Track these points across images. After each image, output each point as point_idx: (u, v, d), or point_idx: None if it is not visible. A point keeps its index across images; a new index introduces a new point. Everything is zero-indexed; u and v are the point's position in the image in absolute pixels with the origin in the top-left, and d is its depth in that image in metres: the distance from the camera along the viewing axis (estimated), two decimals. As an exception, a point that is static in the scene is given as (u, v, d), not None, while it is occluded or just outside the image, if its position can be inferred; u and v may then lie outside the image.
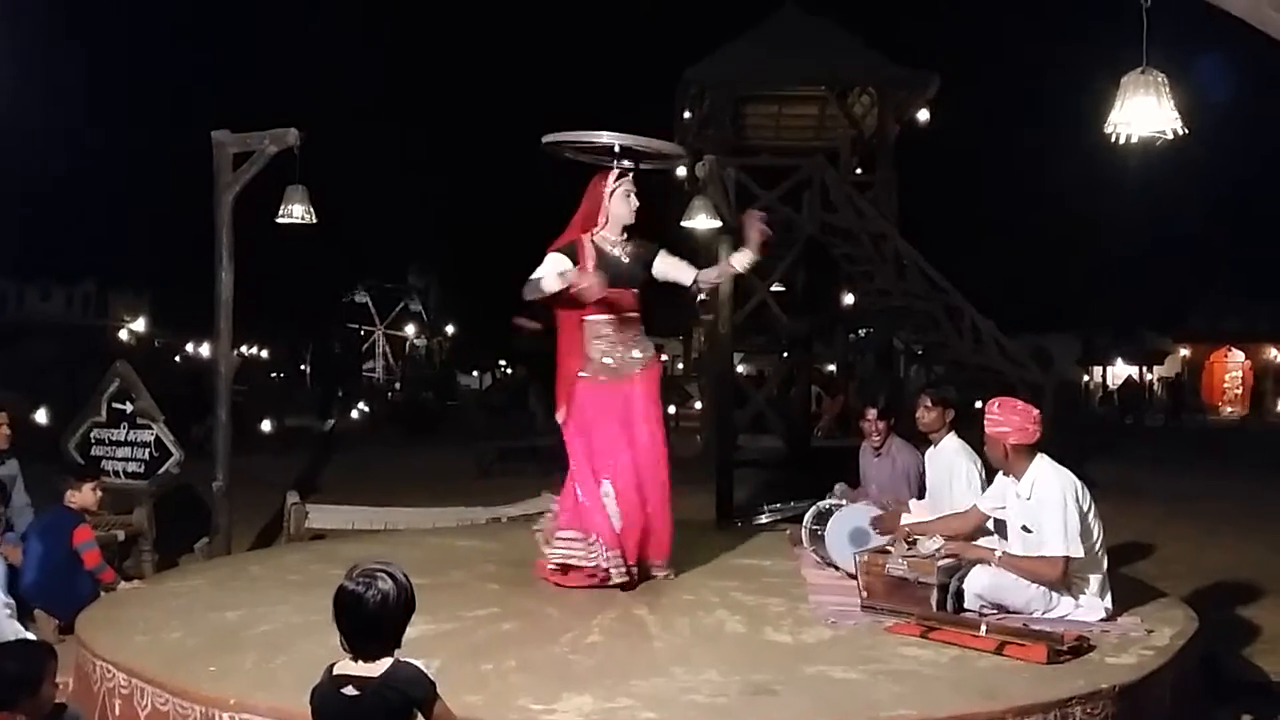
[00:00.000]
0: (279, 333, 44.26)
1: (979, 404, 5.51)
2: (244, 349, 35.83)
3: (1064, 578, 4.67)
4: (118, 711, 4.09)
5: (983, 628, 4.37)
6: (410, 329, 51.86)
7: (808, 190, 16.41)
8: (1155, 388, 38.72)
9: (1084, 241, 41.20)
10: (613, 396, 5.57)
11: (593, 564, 5.42)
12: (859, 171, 19.11)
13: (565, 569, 5.52)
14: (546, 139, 5.81)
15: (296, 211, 8.49)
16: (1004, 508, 4.97)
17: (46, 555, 5.77)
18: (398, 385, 41.89)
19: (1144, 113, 4.62)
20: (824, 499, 6.29)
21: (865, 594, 4.95)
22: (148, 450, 7.64)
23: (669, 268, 5.70)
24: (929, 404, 5.85)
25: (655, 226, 5.89)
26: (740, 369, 22.04)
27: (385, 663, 2.82)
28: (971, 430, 5.64)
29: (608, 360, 5.60)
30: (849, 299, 19.19)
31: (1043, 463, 4.77)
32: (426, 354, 49.12)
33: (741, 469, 11.85)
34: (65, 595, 5.62)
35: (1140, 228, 39.08)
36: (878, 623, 4.70)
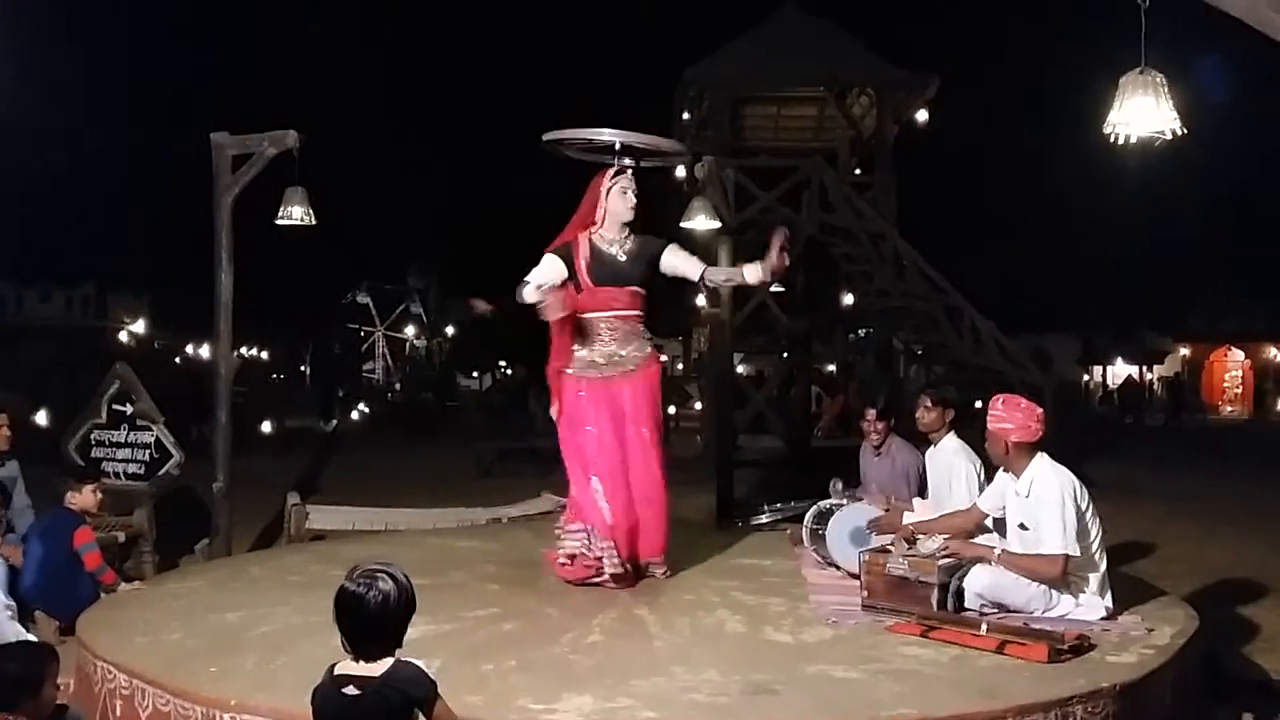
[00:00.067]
0: (279, 334, 44.31)
1: (979, 404, 5.52)
2: (244, 350, 35.86)
3: (1063, 576, 4.68)
4: (119, 712, 4.09)
5: (983, 627, 4.37)
6: (410, 330, 51.88)
7: (806, 191, 16.40)
8: (1155, 387, 38.70)
9: (1083, 241, 41.28)
10: (602, 394, 5.57)
11: (590, 554, 5.47)
12: (858, 172, 19.08)
13: (570, 560, 5.57)
14: (547, 137, 5.82)
15: (296, 213, 8.51)
16: (1004, 506, 4.98)
17: (47, 557, 5.77)
18: (397, 386, 41.88)
19: (1143, 113, 4.63)
20: (824, 499, 6.29)
21: (866, 593, 4.95)
22: (148, 452, 7.64)
23: (678, 262, 5.68)
24: (929, 404, 5.85)
25: (655, 227, 5.88)
26: (740, 369, 22.06)
27: (386, 663, 2.82)
28: (971, 430, 5.65)
29: (596, 358, 5.60)
30: (848, 299, 19.18)
31: (1042, 461, 4.78)
32: (426, 355, 49.11)
33: (741, 469, 11.88)
34: (66, 597, 5.62)
35: (1139, 227, 39.15)
36: (878, 622, 4.70)
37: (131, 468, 7.67)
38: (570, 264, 5.60)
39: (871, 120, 18.60)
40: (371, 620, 2.82)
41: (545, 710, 3.61)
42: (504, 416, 25.85)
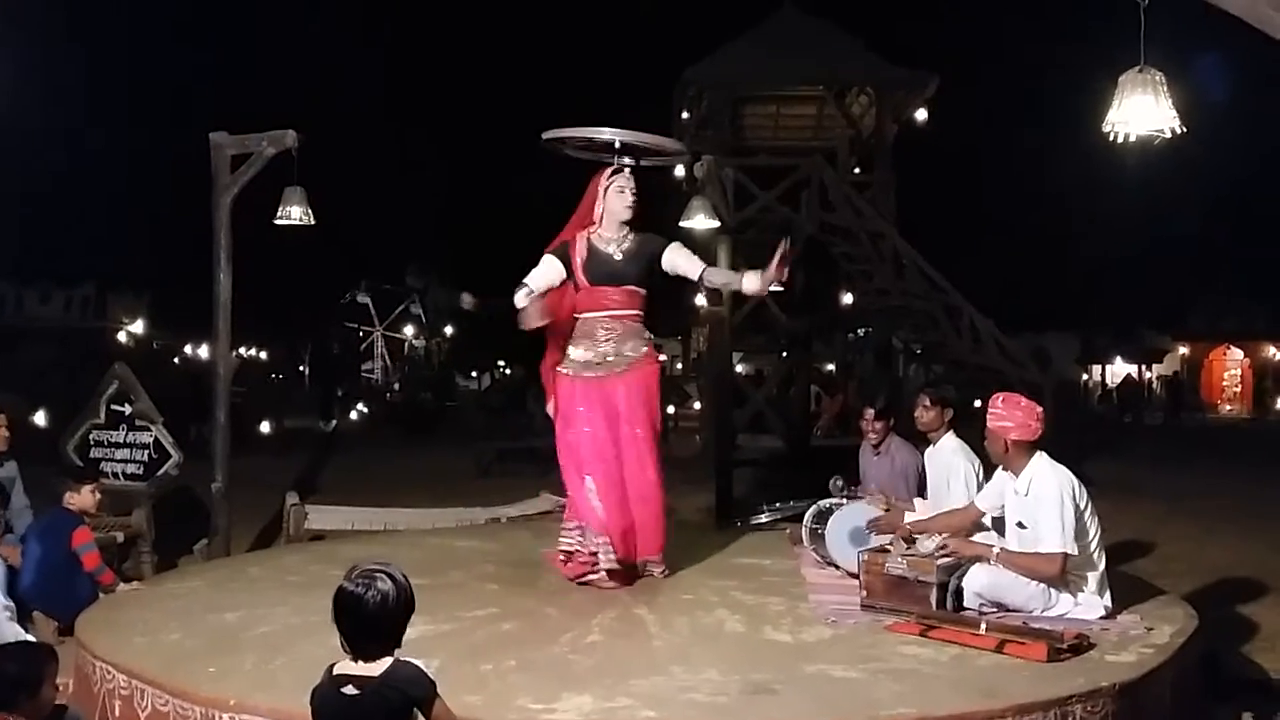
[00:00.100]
0: (278, 334, 44.26)
1: (978, 403, 5.52)
2: (242, 350, 35.85)
3: (1062, 575, 4.67)
4: (118, 712, 4.09)
5: (982, 626, 4.37)
6: (409, 330, 51.84)
7: (806, 190, 16.40)
8: (1154, 386, 38.72)
9: (1083, 240, 41.27)
10: (597, 394, 5.57)
11: (584, 550, 5.49)
12: (857, 171, 19.08)
13: (567, 557, 5.60)
14: (546, 135, 5.81)
15: (295, 213, 8.50)
16: (1002, 504, 4.98)
17: (45, 557, 5.77)
18: (396, 386, 41.86)
19: (1142, 111, 4.62)
20: (824, 498, 6.29)
21: (865, 593, 4.95)
22: (146, 452, 7.64)
23: (679, 260, 5.67)
24: (928, 403, 5.85)
25: (654, 226, 5.88)
26: (739, 368, 22.06)
27: (385, 662, 2.82)
28: (970, 429, 5.65)
29: (592, 357, 5.60)
30: (848, 298, 19.20)
31: (1041, 460, 4.78)
32: (425, 355, 49.07)
33: (741, 468, 11.88)
34: (64, 597, 5.62)
35: (1139, 226, 39.12)
36: (877, 621, 4.70)
37: (130, 468, 7.67)
38: (568, 264, 5.61)
39: (871, 119, 18.60)
40: (370, 620, 2.82)
41: (544, 710, 3.60)
42: (503, 416, 25.86)
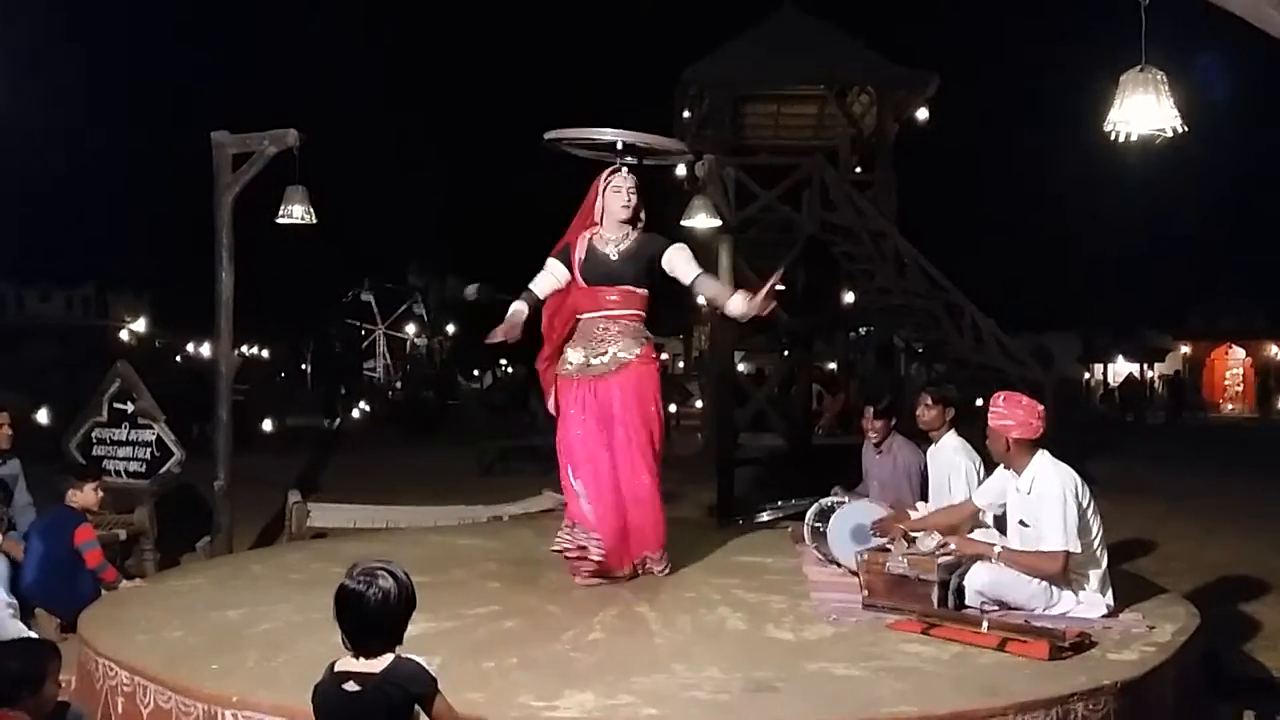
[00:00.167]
0: (280, 332, 44.32)
1: (980, 402, 5.52)
2: (244, 349, 35.86)
3: (1064, 573, 4.67)
4: (120, 709, 4.09)
5: (984, 624, 4.37)
6: (410, 329, 51.84)
7: (807, 189, 16.42)
8: (1156, 385, 38.68)
9: (1084, 240, 41.31)
10: (590, 395, 5.57)
11: (573, 544, 5.50)
12: (858, 170, 19.10)
13: (563, 554, 5.60)
14: (548, 135, 5.82)
15: (296, 212, 8.50)
16: (1001, 502, 4.98)
17: (48, 554, 5.77)
18: (398, 384, 41.86)
19: (1143, 111, 4.62)
20: (825, 497, 6.30)
21: (866, 592, 4.95)
22: (149, 450, 7.65)
23: (677, 264, 5.65)
24: (929, 402, 5.85)
25: (655, 225, 5.88)
26: (741, 367, 22.04)
27: (386, 659, 2.83)
28: (972, 428, 5.65)
29: (584, 358, 5.61)
30: (849, 297, 19.19)
31: (1043, 459, 4.78)
32: (427, 353, 49.06)
33: (742, 467, 11.88)
34: (67, 594, 5.62)
35: (1140, 226, 39.20)
36: (879, 620, 4.70)
37: (133, 466, 7.68)
38: (569, 266, 5.65)
39: (872, 118, 18.60)
40: (371, 617, 2.83)
41: (546, 707, 3.61)
42: (505, 414, 25.86)
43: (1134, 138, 4.72)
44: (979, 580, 4.73)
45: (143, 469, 7.65)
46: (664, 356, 26.44)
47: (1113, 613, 4.74)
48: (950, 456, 5.72)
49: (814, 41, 17.81)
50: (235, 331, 7.77)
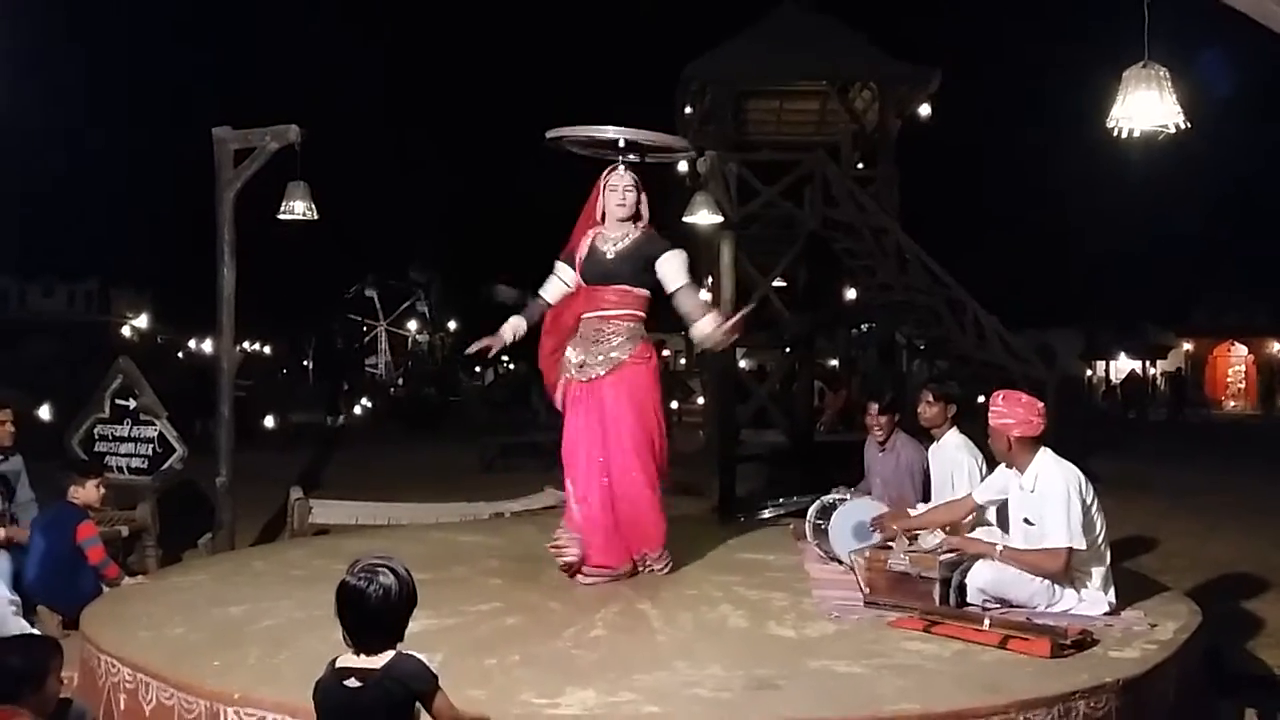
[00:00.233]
0: (282, 329, 44.35)
1: (982, 399, 5.51)
2: (246, 345, 35.87)
3: (1066, 570, 4.67)
4: (123, 706, 4.10)
5: (986, 622, 4.37)
6: (412, 325, 51.88)
7: (809, 185, 16.39)
8: (1158, 382, 38.66)
9: (1086, 236, 41.29)
10: (586, 395, 5.59)
11: (560, 544, 5.56)
12: (860, 166, 19.08)
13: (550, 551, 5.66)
14: (551, 133, 5.81)
15: (298, 208, 8.51)
16: (1001, 498, 4.97)
17: (50, 551, 5.78)
18: (400, 381, 41.88)
19: (1146, 107, 4.62)
20: (827, 493, 6.29)
21: (867, 590, 4.95)
22: (151, 446, 7.65)
23: (667, 269, 5.61)
24: (931, 399, 5.84)
25: (657, 222, 5.87)
26: (742, 364, 22.02)
27: (387, 655, 2.84)
28: (974, 425, 5.64)
29: (581, 358, 5.62)
30: (851, 294, 19.16)
31: (1046, 456, 4.77)
32: (429, 349, 49.09)
33: (744, 464, 11.88)
34: (69, 591, 5.62)
35: (1142, 222, 39.17)
36: (881, 617, 4.70)
37: (135, 462, 7.68)
38: (574, 269, 5.70)
39: (874, 114, 18.58)
40: (372, 614, 2.83)
41: (548, 704, 3.61)
42: (506, 411, 25.87)
43: (1137, 134, 4.72)
44: (981, 578, 4.73)
45: (145, 465, 7.65)
46: (665, 353, 26.42)
47: (1114, 610, 4.73)
48: (952, 454, 5.71)
49: (816, 37, 17.79)
50: (237, 327, 7.78)
